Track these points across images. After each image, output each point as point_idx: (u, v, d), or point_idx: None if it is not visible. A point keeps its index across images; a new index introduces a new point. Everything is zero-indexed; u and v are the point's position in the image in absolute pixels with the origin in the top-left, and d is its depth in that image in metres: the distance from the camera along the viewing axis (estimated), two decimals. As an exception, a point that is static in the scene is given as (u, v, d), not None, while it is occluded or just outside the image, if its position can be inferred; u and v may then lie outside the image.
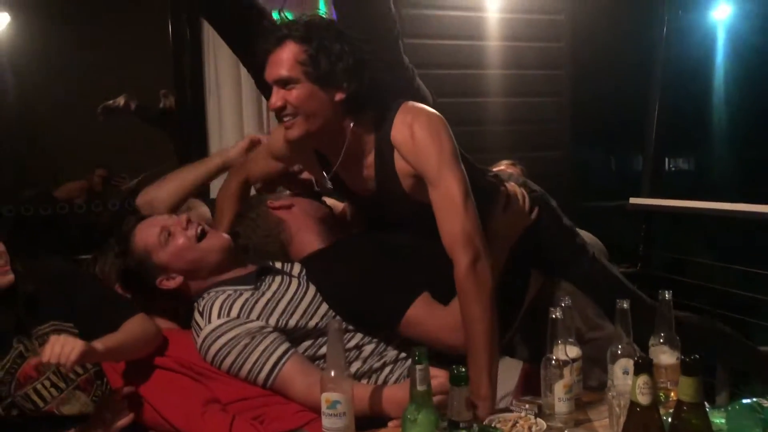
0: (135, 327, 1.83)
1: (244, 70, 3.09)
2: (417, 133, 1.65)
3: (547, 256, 1.98)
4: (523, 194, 1.93)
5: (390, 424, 1.56)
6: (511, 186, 1.94)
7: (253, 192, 2.19)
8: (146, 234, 1.90)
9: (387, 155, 1.71)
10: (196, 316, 1.80)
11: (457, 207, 1.63)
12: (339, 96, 1.65)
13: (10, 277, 1.79)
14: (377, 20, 1.92)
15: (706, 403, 1.31)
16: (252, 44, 1.72)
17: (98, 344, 1.72)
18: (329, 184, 1.85)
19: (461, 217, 1.62)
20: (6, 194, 3.34)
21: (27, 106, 3.73)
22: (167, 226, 1.90)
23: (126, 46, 3.53)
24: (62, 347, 1.65)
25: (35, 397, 1.77)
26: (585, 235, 2.21)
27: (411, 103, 1.72)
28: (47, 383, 1.78)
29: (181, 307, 1.94)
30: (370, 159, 1.74)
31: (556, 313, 1.63)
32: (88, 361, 1.73)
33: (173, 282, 1.89)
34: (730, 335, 2.28)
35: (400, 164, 1.71)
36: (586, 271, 2.01)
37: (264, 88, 1.86)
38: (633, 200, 3.72)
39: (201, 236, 1.91)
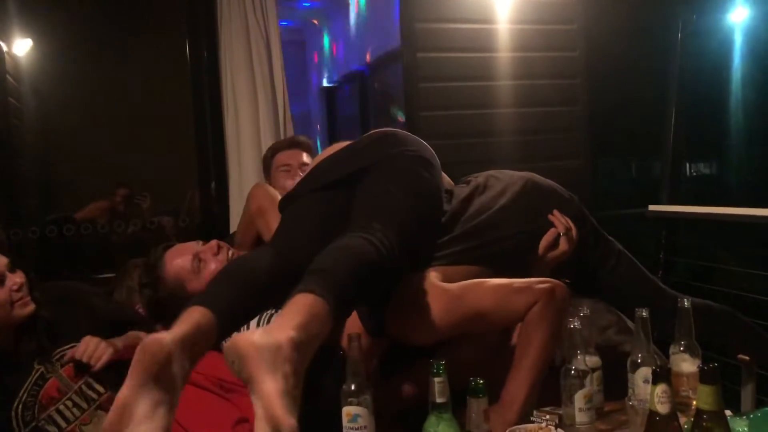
0: None
1: (261, 91, 3.14)
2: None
3: (577, 263, 1.96)
4: (569, 224, 1.89)
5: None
6: (558, 220, 1.89)
7: None
8: (178, 263, 1.91)
9: None
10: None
11: (501, 300, 1.63)
12: None
13: (31, 307, 1.86)
14: None
15: (729, 411, 1.31)
16: None
17: (117, 342, 1.85)
18: None
19: (513, 295, 1.63)
20: (29, 216, 3.40)
21: (48, 128, 3.80)
22: (198, 253, 1.91)
23: (145, 68, 3.59)
24: (95, 349, 1.78)
25: (58, 418, 1.81)
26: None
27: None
28: (69, 404, 1.83)
29: None
30: None
31: (575, 323, 1.63)
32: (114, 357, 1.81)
33: None
34: (748, 324, 2.25)
35: None
36: (614, 265, 1.99)
37: None
38: (652, 207, 3.69)
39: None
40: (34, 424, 1.80)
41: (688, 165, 4.86)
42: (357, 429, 1.47)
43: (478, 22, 3.36)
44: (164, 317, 1.92)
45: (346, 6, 5.53)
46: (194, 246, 1.96)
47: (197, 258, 1.92)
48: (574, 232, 1.88)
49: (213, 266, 1.91)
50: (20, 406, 1.80)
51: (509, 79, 3.41)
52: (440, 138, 3.27)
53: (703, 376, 1.15)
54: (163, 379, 1.19)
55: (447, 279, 1.69)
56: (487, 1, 3.39)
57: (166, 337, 1.21)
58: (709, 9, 4.71)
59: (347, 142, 1.93)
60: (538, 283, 1.64)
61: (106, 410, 1.80)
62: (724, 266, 3.62)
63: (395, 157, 1.74)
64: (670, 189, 3.90)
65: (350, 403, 1.47)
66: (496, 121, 3.40)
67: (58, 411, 1.83)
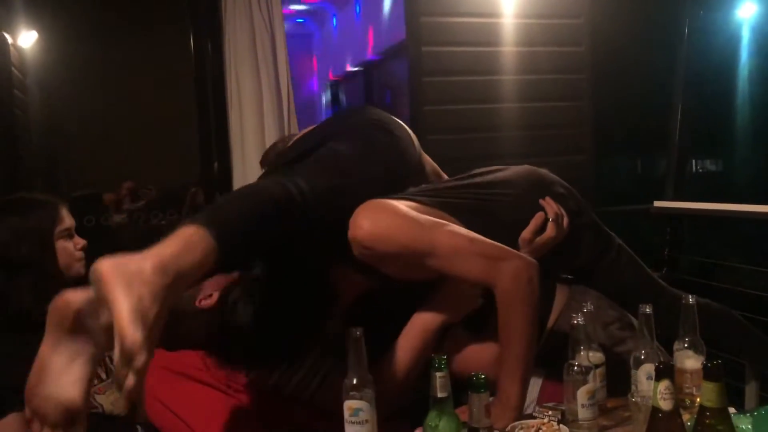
0: None
1: (265, 84, 3.13)
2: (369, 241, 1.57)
3: (574, 257, 1.93)
4: (560, 212, 1.85)
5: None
6: (550, 205, 1.85)
7: None
8: None
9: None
10: None
11: (460, 251, 1.57)
12: None
13: (84, 271, 1.95)
14: None
15: (732, 408, 1.30)
16: None
17: None
18: None
19: (473, 254, 1.57)
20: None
21: (54, 119, 3.81)
22: None
23: (149, 61, 3.60)
24: None
25: None
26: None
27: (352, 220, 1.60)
28: None
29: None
30: None
31: (578, 319, 1.61)
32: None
33: (211, 299, 1.91)
34: (744, 325, 2.23)
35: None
36: (613, 259, 1.97)
37: None
38: (657, 203, 3.68)
39: None
40: None
41: (693, 161, 4.84)
42: (359, 423, 1.46)
43: (483, 15, 3.35)
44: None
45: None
46: None
47: None
48: (565, 221, 1.84)
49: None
50: None
51: (514, 73, 3.40)
52: (445, 132, 3.28)
53: (707, 373, 1.13)
54: (79, 333, 1.21)
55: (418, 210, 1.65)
56: (492, -4, 3.38)
57: (77, 297, 1.22)
58: (716, 5, 4.69)
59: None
60: (507, 258, 1.57)
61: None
62: (728, 263, 3.60)
63: (353, 125, 1.78)
64: (675, 185, 3.89)
65: (352, 397, 1.47)
66: (501, 116, 3.39)
67: None
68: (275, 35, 3.14)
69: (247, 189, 1.47)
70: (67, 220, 1.97)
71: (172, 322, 1.97)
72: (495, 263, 1.56)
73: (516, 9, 3.39)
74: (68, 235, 1.96)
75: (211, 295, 1.91)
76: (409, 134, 1.88)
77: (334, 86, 6.42)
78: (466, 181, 1.85)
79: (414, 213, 1.62)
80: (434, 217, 1.66)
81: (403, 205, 1.64)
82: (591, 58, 3.58)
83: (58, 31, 3.76)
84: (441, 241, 1.57)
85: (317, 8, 6.07)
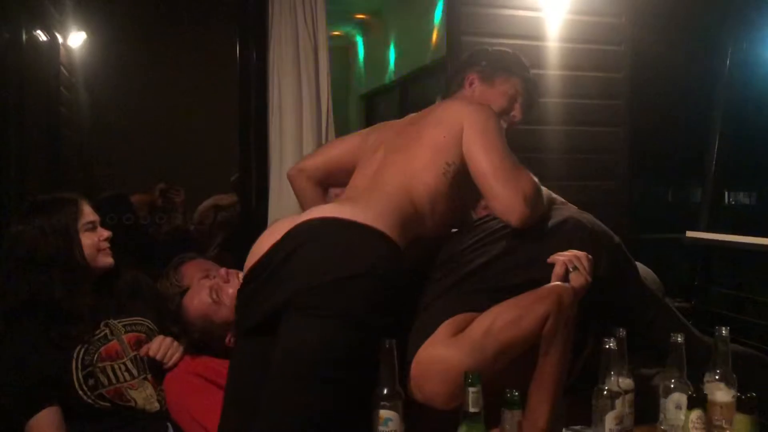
0: None
1: (306, 93, 3.18)
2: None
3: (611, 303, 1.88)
4: (573, 258, 1.74)
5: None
6: (558, 259, 1.75)
7: None
8: (197, 302, 1.99)
9: None
10: None
11: (517, 328, 1.59)
12: None
13: (111, 260, 2.08)
14: None
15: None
16: None
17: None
18: None
19: (525, 325, 1.59)
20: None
21: (98, 119, 3.90)
22: (212, 286, 1.99)
23: (194, 67, 3.66)
24: (168, 348, 1.98)
25: (110, 374, 1.97)
26: (641, 268, 2.15)
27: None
28: (123, 366, 1.99)
29: None
30: None
31: (610, 344, 1.62)
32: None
33: None
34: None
35: None
36: (653, 317, 1.94)
37: None
38: (690, 233, 3.65)
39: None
40: (90, 368, 1.94)
41: (728, 193, 4.80)
42: (387, 433, 1.49)
43: (524, 38, 3.37)
44: (205, 351, 2.03)
45: (394, 15, 5.57)
46: (205, 282, 2.01)
47: (213, 290, 1.99)
48: (584, 260, 1.73)
49: (230, 290, 1.97)
50: (83, 350, 1.95)
51: (552, 96, 3.41)
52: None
53: (741, 406, 1.14)
54: None
55: (460, 328, 1.62)
56: (534, 19, 3.40)
57: None
58: (760, 37, 4.65)
59: (285, 224, 1.69)
60: (546, 294, 1.62)
61: (152, 383, 2.00)
62: (759, 298, 3.56)
63: (304, 315, 1.54)
64: (709, 216, 3.86)
65: (383, 407, 1.50)
66: (538, 138, 3.40)
67: (112, 368, 1.98)
68: (318, 48, 3.19)
69: None
70: (89, 214, 2.06)
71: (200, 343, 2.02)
72: (542, 304, 1.61)
73: (556, 33, 3.41)
74: (92, 227, 2.05)
75: None
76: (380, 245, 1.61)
77: (369, 99, 6.47)
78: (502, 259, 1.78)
79: (460, 344, 1.58)
80: (472, 321, 1.63)
81: (447, 339, 1.61)
82: (630, 84, 3.58)
83: (106, 33, 3.86)
84: (501, 341, 1.58)
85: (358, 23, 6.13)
